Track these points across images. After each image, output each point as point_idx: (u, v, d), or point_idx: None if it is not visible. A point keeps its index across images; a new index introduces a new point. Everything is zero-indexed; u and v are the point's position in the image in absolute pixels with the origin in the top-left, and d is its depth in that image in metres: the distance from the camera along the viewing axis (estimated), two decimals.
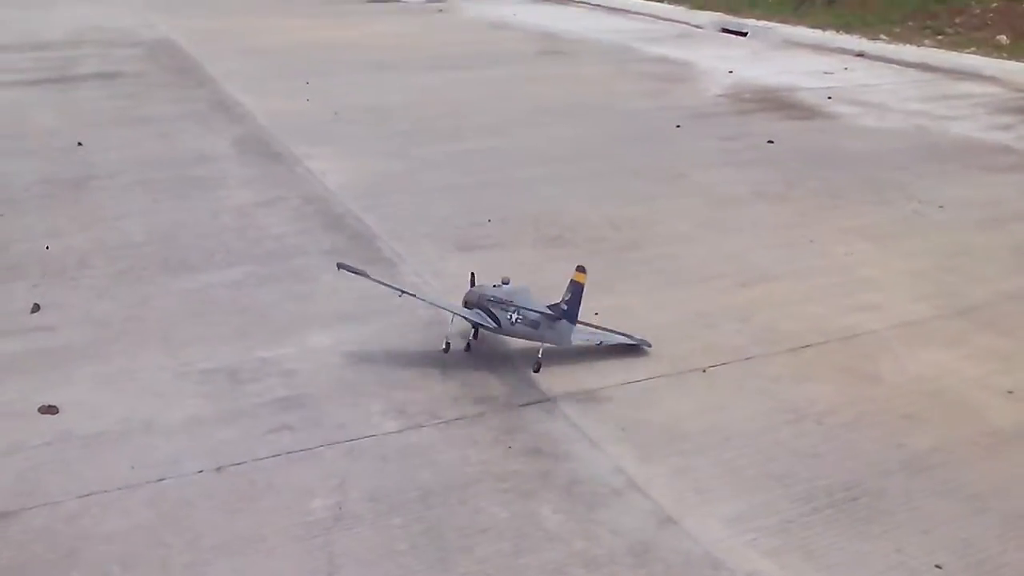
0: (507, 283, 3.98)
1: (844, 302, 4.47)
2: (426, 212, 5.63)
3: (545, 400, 3.55)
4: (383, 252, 5.02)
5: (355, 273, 3.91)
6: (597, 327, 3.94)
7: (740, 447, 3.28)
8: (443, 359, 3.84)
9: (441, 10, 15.77)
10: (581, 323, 3.79)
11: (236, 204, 5.74)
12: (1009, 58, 11.57)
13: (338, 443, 3.25)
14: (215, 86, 9.32)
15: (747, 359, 3.90)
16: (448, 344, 3.89)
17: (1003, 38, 12.60)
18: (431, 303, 4.09)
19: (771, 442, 3.32)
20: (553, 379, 3.69)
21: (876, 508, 2.97)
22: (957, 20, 13.65)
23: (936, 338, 4.15)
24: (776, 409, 3.53)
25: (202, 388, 3.61)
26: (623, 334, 3.95)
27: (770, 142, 7.46)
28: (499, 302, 3.88)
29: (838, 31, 13.58)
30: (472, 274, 4.11)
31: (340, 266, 3.95)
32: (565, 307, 3.67)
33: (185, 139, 7.29)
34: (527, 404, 3.52)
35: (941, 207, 5.90)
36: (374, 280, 3.93)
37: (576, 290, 3.66)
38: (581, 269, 3.67)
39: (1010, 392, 3.70)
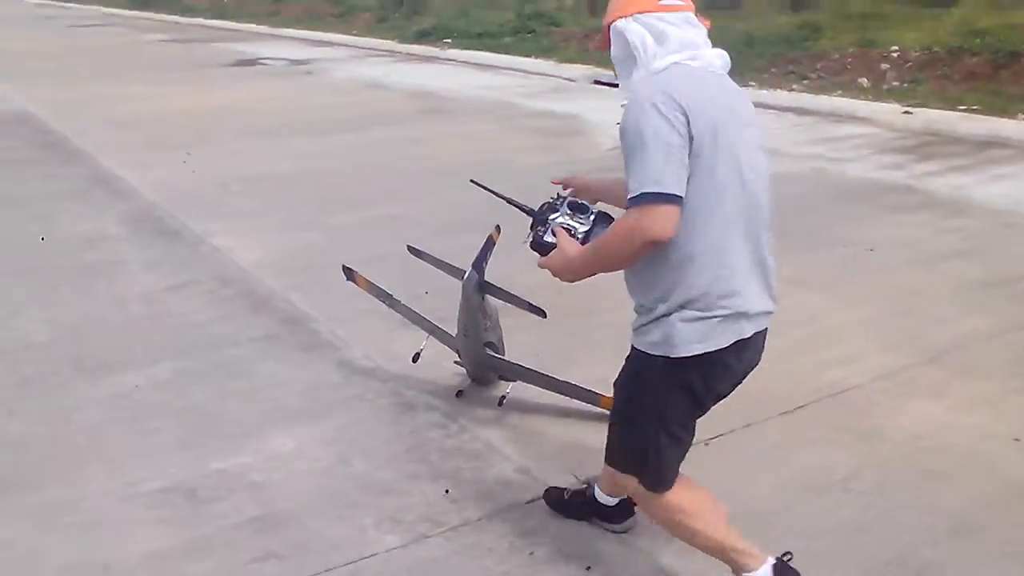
0: None
1: (819, 357, 4.33)
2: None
3: (552, 488, 3.22)
4: (323, 335, 4.62)
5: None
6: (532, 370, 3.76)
7: (776, 527, 3.04)
8: (425, 456, 3.48)
9: (310, 72, 15.38)
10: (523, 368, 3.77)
11: (143, 291, 5.22)
12: (874, 100, 12.00)
13: (337, 568, 2.84)
14: (89, 160, 8.68)
15: (745, 427, 3.68)
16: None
17: (864, 81, 13.09)
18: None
19: (805, 518, 3.09)
20: (550, 468, 3.37)
21: None
22: (818, 65, 14.14)
23: (919, 389, 4.03)
24: (796, 480, 3.32)
25: (158, 513, 3.14)
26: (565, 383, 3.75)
27: None
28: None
29: None
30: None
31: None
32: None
33: (68, 220, 6.68)
34: (533, 500, 3.19)
35: (871, 250, 5.89)
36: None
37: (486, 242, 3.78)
38: (497, 229, 3.86)
39: (1017, 440, 3.59)
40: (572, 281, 2.59)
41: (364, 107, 11.83)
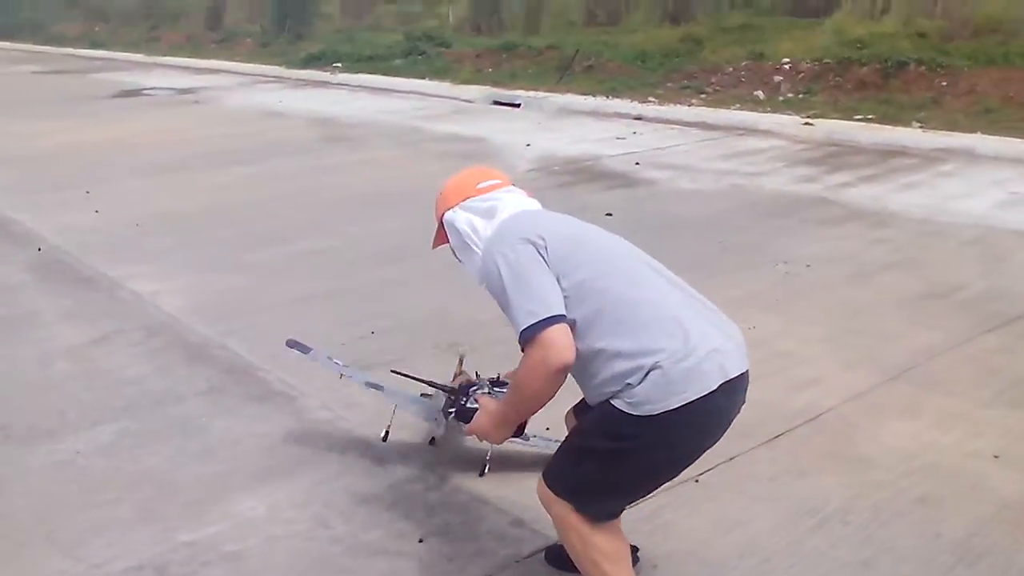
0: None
1: (783, 381, 4.29)
2: (298, 330, 4.93)
3: (552, 545, 3.07)
4: (273, 385, 4.36)
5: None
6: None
7: (786, 569, 2.95)
8: (409, 512, 3.28)
9: (198, 101, 14.89)
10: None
11: (65, 346, 4.87)
12: (772, 112, 12.25)
13: None
14: None
15: (730, 460, 3.59)
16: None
17: (759, 94, 13.38)
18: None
19: (812, 555, 3.01)
20: (545, 518, 3.19)
21: None
22: (713, 80, 14.40)
23: (891, 408, 4.03)
24: (794, 514, 3.24)
25: None
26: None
27: (608, 215, 7.32)
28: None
29: (607, 96, 13.96)
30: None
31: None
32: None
33: None
34: (533, 554, 3.03)
35: (808, 266, 5.93)
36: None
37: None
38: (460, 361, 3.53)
39: (996, 457, 3.60)
40: (501, 439, 2.65)
41: (263, 136, 11.48)
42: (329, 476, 3.53)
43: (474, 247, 2.55)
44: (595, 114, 12.74)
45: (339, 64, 18.99)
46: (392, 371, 3.59)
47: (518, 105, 13.75)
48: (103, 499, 3.42)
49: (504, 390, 2.83)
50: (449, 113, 13.20)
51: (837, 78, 13.16)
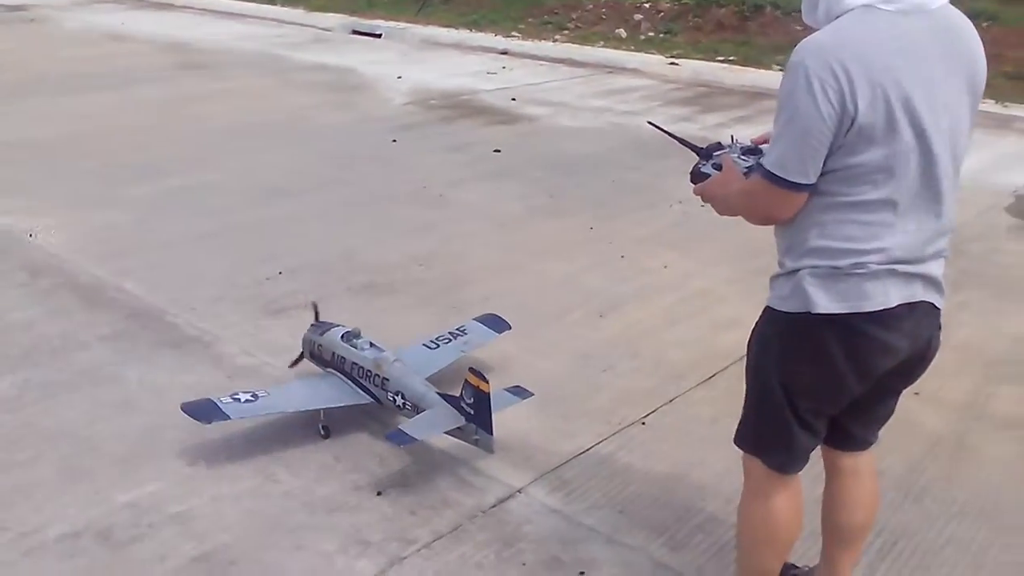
0: (357, 336, 3.44)
1: (705, 321, 4.36)
2: (197, 271, 4.73)
3: (514, 493, 3.03)
4: (184, 329, 4.11)
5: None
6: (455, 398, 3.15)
7: None
8: (359, 463, 3.17)
9: (34, 19, 13.79)
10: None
11: None
12: (636, 51, 12.33)
13: None
14: None
15: (670, 401, 3.64)
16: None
17: (621, 31, 13.44)
18: None
19: None
20: (494, 464, 3.15)
21: (918, 548, 2.85)
22: (574, 16, 14.36)
23: None
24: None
25: (75, 566, 2.66)
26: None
27: (497, 151, 7.24)
28: (367, 373, 3.32)
29: (470, 29, 13.72)
30: (314, 305, 3.68)
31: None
32: (471, 411, 3.01)
33: None
34: (499, 503, 2.98)
35: (703, 206, 5.99)
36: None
37: (482, 398, 2.97)
38: (480, 376, 2.96)
39: (916, 393, 3.76)
40: (721, 213, 2.39)
41: (113, 61, 10.74)
42: (266, 427, 3.36)
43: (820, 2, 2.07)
44: (460, 47, 12.50)
45: None
46: (649, 122, 3.08)
47: (379, 35, 13.34)
48: (19, 459, 3.16)
49: (753, 158, 2.34)
50: (309, 42, 12.69)
51: (696, 19, 13.35)
